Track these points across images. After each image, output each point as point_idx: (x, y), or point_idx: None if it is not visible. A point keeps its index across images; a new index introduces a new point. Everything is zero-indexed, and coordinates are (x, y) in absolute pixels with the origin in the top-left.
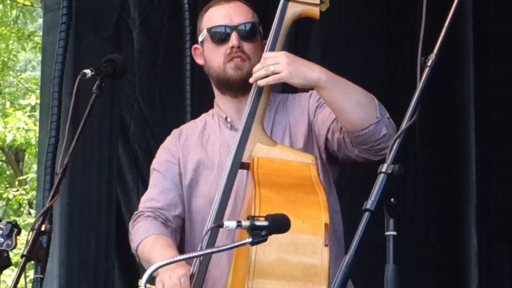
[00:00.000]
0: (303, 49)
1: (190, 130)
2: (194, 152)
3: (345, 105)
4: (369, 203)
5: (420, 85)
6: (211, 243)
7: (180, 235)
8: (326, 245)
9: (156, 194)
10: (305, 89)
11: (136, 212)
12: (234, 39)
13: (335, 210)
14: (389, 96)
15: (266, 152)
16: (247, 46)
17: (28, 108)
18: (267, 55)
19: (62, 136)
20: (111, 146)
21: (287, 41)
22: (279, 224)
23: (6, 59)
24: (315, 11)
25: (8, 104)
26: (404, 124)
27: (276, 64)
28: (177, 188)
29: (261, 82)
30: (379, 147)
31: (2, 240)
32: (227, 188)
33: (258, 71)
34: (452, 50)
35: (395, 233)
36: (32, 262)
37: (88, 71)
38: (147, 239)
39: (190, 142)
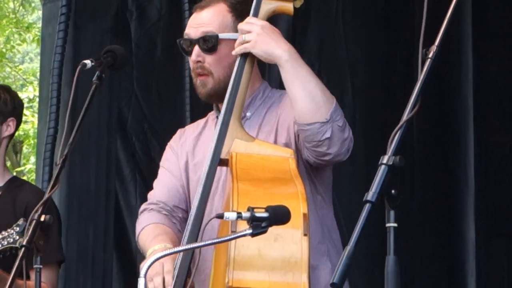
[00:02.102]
0: (300, 43)
1: (191, 131)
2: (189, 153)
3: (298, 92)
4: (370, 195)
5: (421, 77)
6: (193, 238)
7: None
8: (305, 235)
9: (160, 190)
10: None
11: (143, 204)
12: (194, 54)
13: (323, 207)
14: (387, 89)
15: (244, 148)
16: (208, 59)
17: (26, 100)
18: (248, 20)
19: (61, 127)
20: (109, 138)
21: (284, 35)
22: (280, 215)
23: (4, 50)
24: (289, 8)
25: None
26: (405, 116)
27: (248, 32)
28: (181, 184)
29: (233, 52)
30: (319, 150)
31: (17, 237)
32: (207, 185)
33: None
34: (450, 43)
35: (395, 224)
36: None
37: (88, 62)
38: (145, 228)
39: (188, 143)
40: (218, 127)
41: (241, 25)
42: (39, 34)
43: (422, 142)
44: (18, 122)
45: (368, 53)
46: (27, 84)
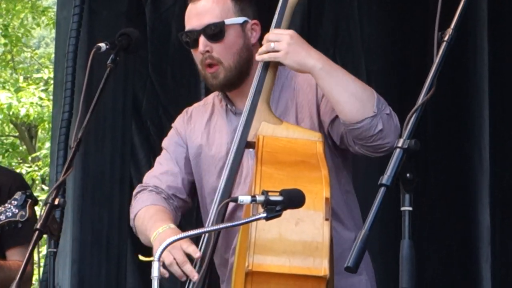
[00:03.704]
0: (316, 27)
1: (199, 115)
2: (204, 146)
3: (340, 96)
4: (385, 178)
5: (437, 60)
6: (219, 221)
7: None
8: (326, 219)
9: (160, 174)
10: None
11: (139, 185)
12: (201, 45)
13: (348, 190)
14: (402, 73)
15: (272, 131)
16: (216, 48)
17: (42, 84)
18: (274, 31)
19: (76, 111)
20: (124, 122)
21: (299, 20)
22: (294, 199)
23: (20, 34)
24: None
25: (21, 79)
26: (420, 99)
27: (277, 42)
28: (182, 172)
29: (258, 57)
30: (375, 144)
31: (17, 211)
32: (233, 168)
33: (262, 46)
34: (466, 27)
35: (410, 208)
36: (44, 236)
37: (102, 45)
38: (145, 208)
39: (198, 130)
40: (246, 110)
41: (268, 35)
42: (54, 18)
43: (436, 125)
44: None
45: (383, 37)
46: (43, 69)
